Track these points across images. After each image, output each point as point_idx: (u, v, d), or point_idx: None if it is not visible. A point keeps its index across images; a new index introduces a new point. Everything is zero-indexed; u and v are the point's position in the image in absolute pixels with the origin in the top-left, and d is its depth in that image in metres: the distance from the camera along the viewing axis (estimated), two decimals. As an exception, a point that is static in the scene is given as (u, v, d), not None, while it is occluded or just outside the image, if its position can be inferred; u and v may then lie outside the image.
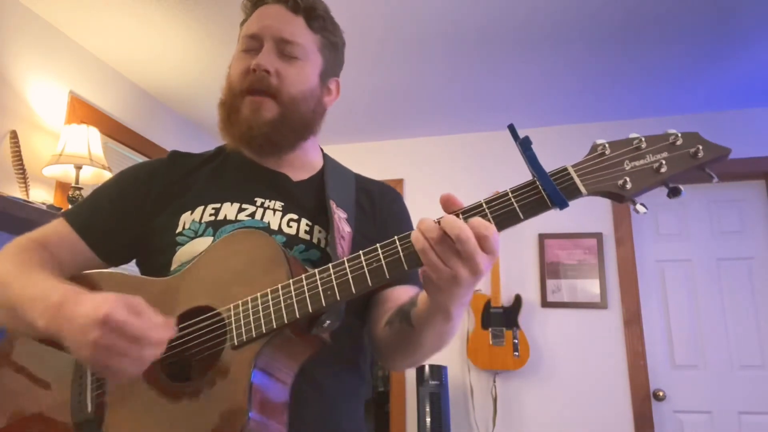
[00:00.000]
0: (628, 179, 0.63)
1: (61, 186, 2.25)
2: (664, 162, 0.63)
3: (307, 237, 0.86)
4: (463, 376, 2.98)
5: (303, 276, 0.70)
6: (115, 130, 2.57)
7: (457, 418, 2.90)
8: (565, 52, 2.44)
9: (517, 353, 2.80)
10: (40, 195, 2.16)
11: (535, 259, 3.03)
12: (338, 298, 0.68)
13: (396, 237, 0.68)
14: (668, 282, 2.95)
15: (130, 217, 0.88)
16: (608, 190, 0.65)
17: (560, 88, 2.78)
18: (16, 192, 1.99)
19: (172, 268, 0.82)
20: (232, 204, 0.87)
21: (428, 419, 2.65)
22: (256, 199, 0.88)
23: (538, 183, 0.66)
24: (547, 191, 0.65)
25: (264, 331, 0.68)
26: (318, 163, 1.00)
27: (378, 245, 0.68)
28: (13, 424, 0.77)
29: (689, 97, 2.83)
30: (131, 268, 0.91)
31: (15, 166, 1.99)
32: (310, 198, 0.92)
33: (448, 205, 0.68)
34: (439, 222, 0.63)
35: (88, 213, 0.90)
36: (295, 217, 0.88)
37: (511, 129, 0.70)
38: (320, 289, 0.68)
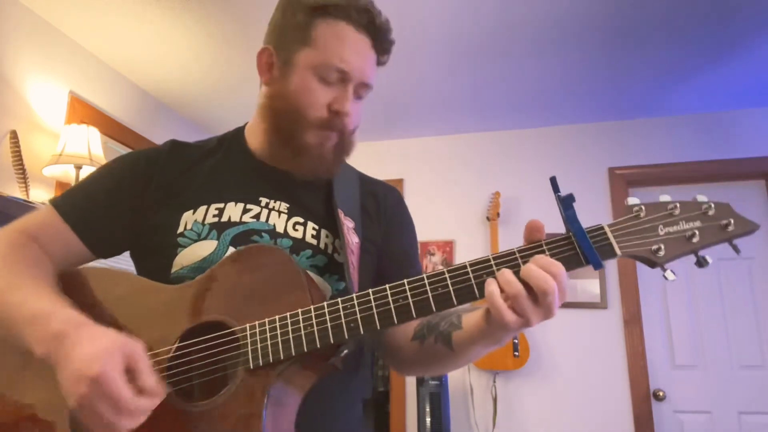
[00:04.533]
0: (662, 246, 0.64)
1: (61, 186, 2.25)
2: (697, 232, 0.64)
3: (314, 242, 0.85)
4: (463, 376, 2.98)
5: (325, 304, 0.69)
6: (115, 130, 2.57)
7: (457, 418, 2.90)
8: (566, 53, 2.44)
9: (517, 353, 2.80)
10: (40, 195, 2.16)
11: (535, 259, 3.03)
12: (362, 331, 0.67)
13: (426, 275, 0.68)
14: (668, 282, 2.94)
15: (128, 212, 0.84)
16: (642, 255, 0.65)
17: (560, 89, 2.77)
18: (16, 192, 1.99)
19: (173, 271, 0.79)
20: (236, 204, 0.84)
21: (428, 419, 2.65)
22: (260, 198, 0.86)
23: (574, 240, 0.66)
24: (582, 249, 0.65)
25: (282, 358, 0.67)
26: None
27: (406, 282, 0.68)
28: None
29: (690, 97, 2.83)
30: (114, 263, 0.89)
31: (15, 166, 1.99)
32: (317, 201, 0.90)
33: (534, 233, 0.68)
34: (518, 275, 0.63)
35: (83, 206, 0.84)
36: (301, 220, 0.86)
37: (553, 182, 0.68)
38: (343, 321, 0.68)
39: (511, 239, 3.08)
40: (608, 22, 2.20)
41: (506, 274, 0.63)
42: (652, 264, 0.66)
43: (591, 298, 2.92)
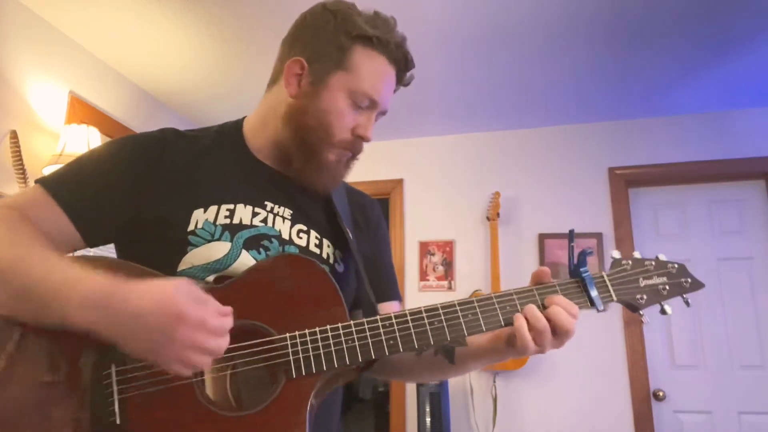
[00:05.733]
0: (644, 296, 0.80)
1: (61, 186, 2.25)
2: (667, 287, 0.81)
3: (317, 251, 0.86)
4: (463, 377, 2.98)
5: (365, 321, 0.74)
6: (115, 130, 2.57)
7: (457, 418, 2.90)
8: (567, 54, 2.44)
9: (517, 353, 2.80)
10: (40, 195, 2.16)
11: (535, 258, 3.03)
12: (401, 349, 0.73)
13: (456, 302, 0.76)
14: (668, 282, 2.94)
15: (127, 202, 0.80)
16: (630, 302, 0.81)
17: (560, 89, 2.77)
18: (16, 192, 1.99)
19: (181, 269, 0.78)
20: (245, 206, 0.84)
21: (428, 419, 2.65)
22: (266, 203, 0.86)
23: (582, 287, 0.79)
24: (590, 296, 0.78)
25: (325, 369, 0.71)
26: None
27: (440, 306, 0.76)
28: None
29: (690, 97, 2.83)
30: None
31: (15, 166, 1.99)
32: (318, 210, 0.92)
33: (543, 277, 0.79)
34: (545, 313, 0.75)
35: (77, 191, 0.79)
36: (305, 228, 0.87)
37: (570, 234, 0.83)
38: (383, 338, 0.73)
39: (511, 239, 3.08)
40: (608, 22, 2.20)
41: (533, 310, 0.74)
42: (634, 309, 0.81)
43: (591, 298, 2.92)
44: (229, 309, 0.66)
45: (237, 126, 0.95)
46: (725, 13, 2.13)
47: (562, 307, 0.74)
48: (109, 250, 0.87)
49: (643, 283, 0.81)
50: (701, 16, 2.15)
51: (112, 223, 0.81)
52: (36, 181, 0.80)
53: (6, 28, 2.06)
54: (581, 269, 0.79)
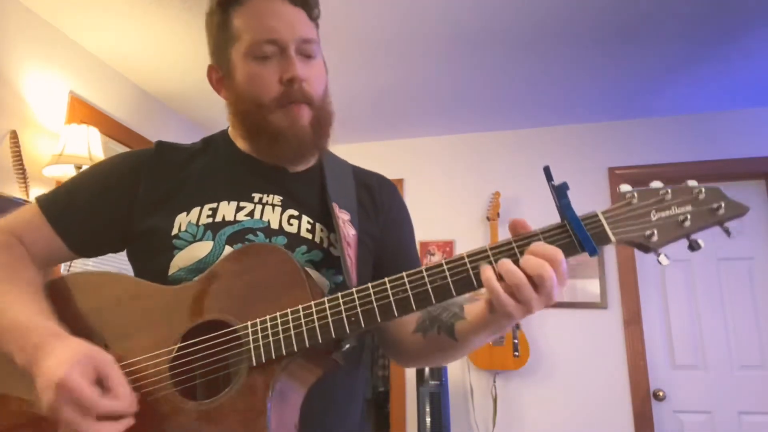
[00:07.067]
0: (655, 231, 0.64)
1: (61, 186, 2.25)
2: (689, 216, 0.65)
3: (309, 236, 0.84)
4: (463, 376, 2.98)
5: (325, 299, 0.69)
6: (115, 130, 2.57)
7: (457, 418, 2.90)
8: (566, 53, 2.44)
9: (517, 353, 2.80)
10: (40, 195, 2.16)
11: (535, 259, 3.03)
12: (363, 325, 0.68)
13: (424, 267, 0.68)
14: (668, 282, 2.95)
15: (113, 216, 0.84)
16: (636, 240, 0.65)
17: (561, 89, 2.77)
18: (16, 192, 1.99)
19: (170, 273, 0.79)
20: (229, 203, 0.84)
21: (428, 419, 2.65)
22: (253, 194, 0.86)
23: (568, 228, 0.65)
24: (578, 236, 0.65)
25: (284, 353, 0.68)
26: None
27: (405, 275, 0.68)
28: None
29: (690, 97, 2.83)
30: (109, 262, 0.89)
31: (15, 166, 1.99)
32: (310, 193, 0.90)
33: (518, 229, 0.67)
34: (518, 264, 0.63)
35: (65, 206, 0.85)
36: (296, 213, 0.85)
37: (546, 171, 0.69)
38: (344, 315, 0.68)
39: (511, 239, 3.08)
40: (609, 21, 2.20)
41: (507, 264, 0.63)
42: (645, 249, 0.66)
43: (591, 298, 2.92)
44: (129, 397, 0.66)
45: (223, 131, 0.98)
46: (725, 13, 2.13)
47: (533, 252, 0.63)
48: (119, 259, 0.89)
49: (655, 216, 0.65)
50: (701, 15, 2.15)
51: (98, 238, 0.86)
52: (35, 199, 0.86)
53: (6, 28, 2.06)
54: (564, 208, 0.65)
